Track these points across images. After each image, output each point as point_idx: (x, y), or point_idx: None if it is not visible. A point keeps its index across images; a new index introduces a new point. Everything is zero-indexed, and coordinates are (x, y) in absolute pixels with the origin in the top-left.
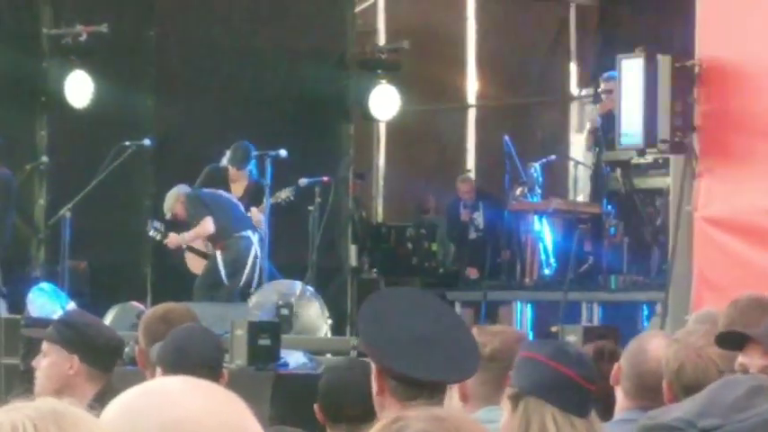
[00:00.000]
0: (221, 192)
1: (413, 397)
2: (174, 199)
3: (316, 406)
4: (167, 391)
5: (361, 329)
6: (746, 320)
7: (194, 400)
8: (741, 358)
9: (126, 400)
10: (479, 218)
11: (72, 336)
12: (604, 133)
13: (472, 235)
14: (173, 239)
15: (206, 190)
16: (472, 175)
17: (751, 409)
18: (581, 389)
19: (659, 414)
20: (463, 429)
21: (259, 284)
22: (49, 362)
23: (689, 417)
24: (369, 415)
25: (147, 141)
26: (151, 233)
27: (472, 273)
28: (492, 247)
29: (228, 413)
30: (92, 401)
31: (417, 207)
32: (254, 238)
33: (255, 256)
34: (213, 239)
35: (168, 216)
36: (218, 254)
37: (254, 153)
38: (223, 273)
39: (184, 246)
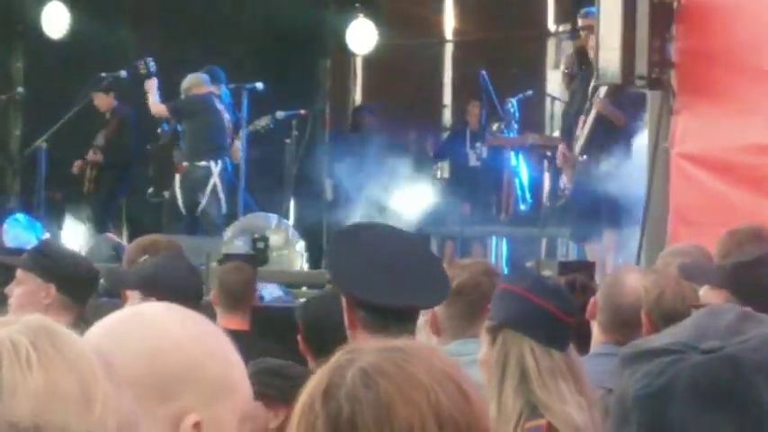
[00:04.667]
0: (222, 114)
1: (383, 327)
2: (194, 83)
3: (299, 338)
4: (153, 316)
5: (330, 261)
6: (742, 251)
7: (180, 326)
8: (701, 292)
9: (111, 324)
10: (482, 147)
11: (49, 265)
12: (578, 68)
13: (473, 162)
14: (150, 83)
15: (213, 104)
16: (449, 110)
17: (747, 332)
18: (559, 322)
19: (643, 342)
20: (418, 359)
21: (232, 215)
22: (24, 290)
23: (685, 340)
24: None
25: (123, 73)
26: (139, 64)
27: (466, 209)
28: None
29: (212, 342)
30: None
31: (395, 141)
32: (216, 168)
33: (214, 186)
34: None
35: (183, 95)
36: (176, 179)
37: (231, 86)
38: (180, 201)
39: (150, 97)
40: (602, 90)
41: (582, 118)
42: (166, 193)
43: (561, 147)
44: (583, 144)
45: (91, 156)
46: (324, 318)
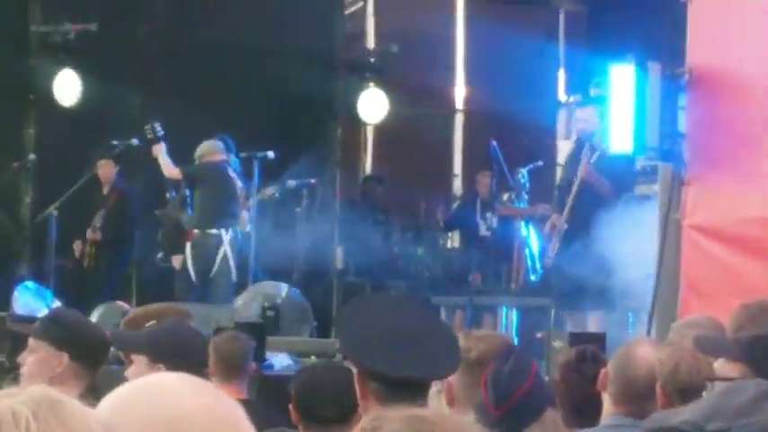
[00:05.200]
0: (234, 182)
1: (395, 399)
2: (209, 150)
3: (290, 406)
4: (164, 387)
5: (340, 332)
6: (756, 324)
7: (190, 396)
8: (716, 365)
9: (122, 395)
10: (493, 217)
11: (61, 333)
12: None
13: (483, 232)
14: (158, 148)
15: (226, 172)
16: (459, 180)
17: (757, 414)
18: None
19: (664, 417)
20: (441, 428)
21: (243, 283)
22: (37, 358)
23: (695, 419)
24: (342, 416)
25: (134, 141)
26: (147, 128)
27: (477, 278)
28: (501, 250)
29: (223, 410)
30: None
31: (403, 210)
32: (227, 236)
33: (224, 254)
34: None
35: (196, 162)
36: (188, 247)
37: (243, 155)
38: (191, 270)
39: (159, 160)
40: (588, 155)
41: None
42: (174, 259)
43: (554, 216)
44: (566, 213)
45: (89, 234)
46: (315, 387)
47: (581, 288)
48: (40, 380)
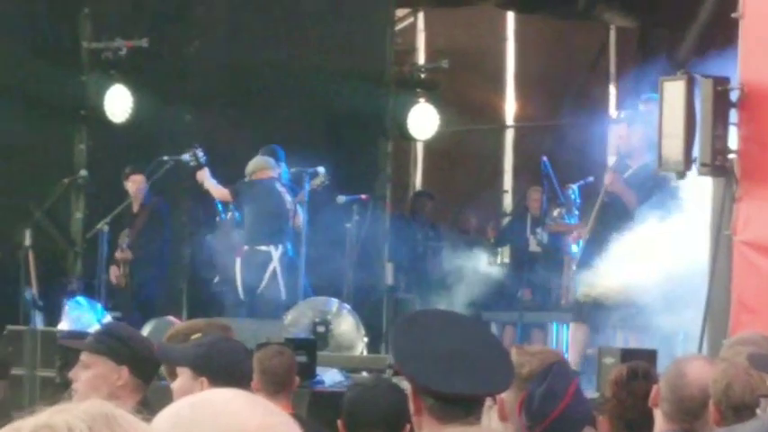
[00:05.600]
0: (283, 198)
1: (449, 414)
2: (259, 167)
3: (339, 422)
4: (220, 403)
5: (394, 349)
6: None
7: (250, 413)
8: None
9: (178, 410)
10: (543, 233)
11: (120, 347)
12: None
13: (533, 248)
14: (202, 174)
15: (275, 189)
16: (509, 196)
17: None
18: None
19: None
20: None
21: (293, 299)
22: (95, 373)
23: None
24: None
25: (185, 156)
26: (187, 156)
27: (527, 294)
28: (551, 266)
29: (279, 426)
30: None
31: (453, 226)
32: (276, 253)
33: (274, 271)
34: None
35: (246, 179)
36: (237, 263)
37: (293, 170)
38: (240, 285)
39: (205, 185)
40: (616, 166)
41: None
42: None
43: (579, 227)
44: (590, 225)
45: (118, 254)
46: (363, 404)
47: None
48: (99, 395)
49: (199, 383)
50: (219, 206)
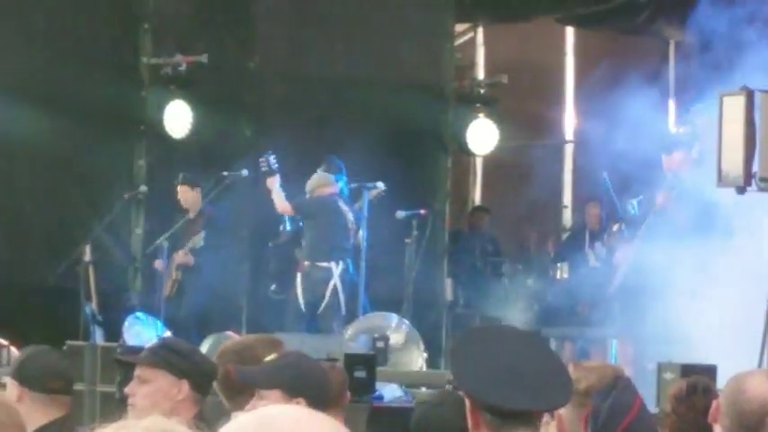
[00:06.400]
0: (345, 214)
1: (507, 430)
2: (320, 183)
3: None
4: (284, 418)
5: (453, 364)
6: None
7: (311, 427)
8: None
9: (243, 426)
10: (602, 248)
11: (181, 361)
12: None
13: (593, 263)
14: (272, 181)
15: (337, 205)
16: (569, 211)
17: None
18: None
19: None
20: None
21: (352, 314)
22: (155, 387)
23: None
24: None
25: (245, 172)
26: (261, 160)
27: (586, 309)
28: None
29: None
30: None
31: (513, 241)
32: (337, 270)
33: (334, 287)
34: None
35: (307, 195)
36: (298, 278)
37: (353, 185)
38: (301, 301)
39: (272, 194)
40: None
41: None
42: (288, 293)
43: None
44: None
45: (181, 257)
46: (432, 421)
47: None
48: (159, 410)
49: (294, 404)
50: (286, 217)
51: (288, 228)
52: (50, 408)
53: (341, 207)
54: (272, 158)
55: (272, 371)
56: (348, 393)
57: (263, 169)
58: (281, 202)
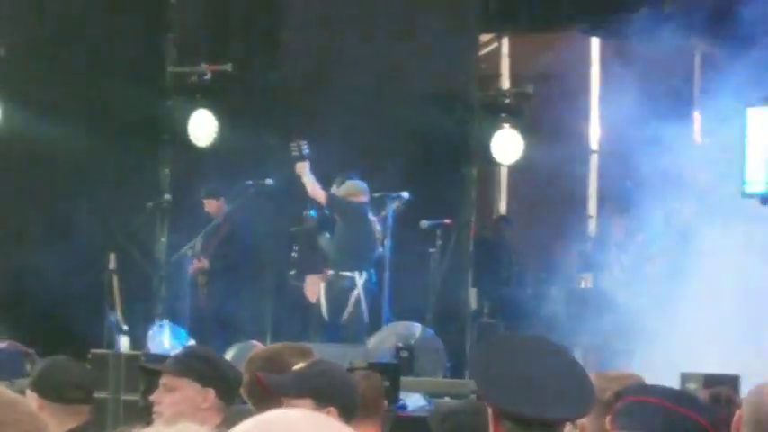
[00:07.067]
0: (373, 225)
1: None
2: (355, 190)
3: None
4: (290, 422)
5: (475, 373)
6: None
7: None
8: None
9: (250, 429)
10: (626, 258)
11: (206, 369)
12: None
13: (618, 273)
14: (302, 167)
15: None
16: (594, 221)
17: None
18: None
19: None
20: None
21: (376, 324)
22: (181, 395)
23: None
24: None
25: (269, 181)
26: (293, 145)
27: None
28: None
29: None
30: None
31: (538, 251)
32: (360, 279)
33: (358, 297)
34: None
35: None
36: (322, 287)
37: (376, 195)
38: (324, 309)
39: (303, 179)
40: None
41: None
42: (310, 291)
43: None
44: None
45: (195, 264)
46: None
47: None
48: (184, 418)
49: (326, 413)
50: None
51: (313, 215)
52: (68, 417)
53: (370, 217)
54: (303, 144)
55: (302, 379)
56: (385, 402)
57: (294, 154)
58: (314, 187)
